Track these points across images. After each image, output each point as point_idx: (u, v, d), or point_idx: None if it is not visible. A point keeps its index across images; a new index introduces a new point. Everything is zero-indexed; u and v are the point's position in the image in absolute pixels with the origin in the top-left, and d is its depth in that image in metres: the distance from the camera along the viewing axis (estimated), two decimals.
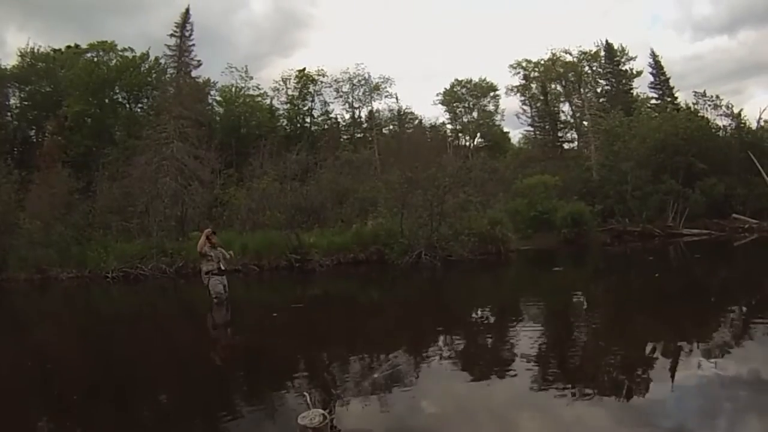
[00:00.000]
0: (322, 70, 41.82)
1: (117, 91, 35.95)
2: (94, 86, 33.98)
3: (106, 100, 35.26)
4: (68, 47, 38.05)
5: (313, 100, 42.17)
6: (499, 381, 6.23)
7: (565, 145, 46.50)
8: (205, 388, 6.59)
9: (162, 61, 33.98)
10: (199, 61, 32.25)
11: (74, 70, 35.21)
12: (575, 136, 45.48)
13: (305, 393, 4.89)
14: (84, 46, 37.82)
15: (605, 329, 8.90)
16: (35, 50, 37.69)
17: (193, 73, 32.87)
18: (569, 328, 9.31)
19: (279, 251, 19.85)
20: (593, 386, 5.73)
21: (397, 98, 44.02)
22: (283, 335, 9.68)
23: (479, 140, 48.19)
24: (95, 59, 36.50)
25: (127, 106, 36.42)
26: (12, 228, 20.61)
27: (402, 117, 45.58)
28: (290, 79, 41.92)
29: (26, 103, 36.77)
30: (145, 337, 10.35)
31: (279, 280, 18.74)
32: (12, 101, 37.05)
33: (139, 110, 36.21)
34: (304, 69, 41.99)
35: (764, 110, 33.91)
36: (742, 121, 33.04)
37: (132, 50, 36.88)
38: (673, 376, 5.85)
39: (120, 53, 37.03)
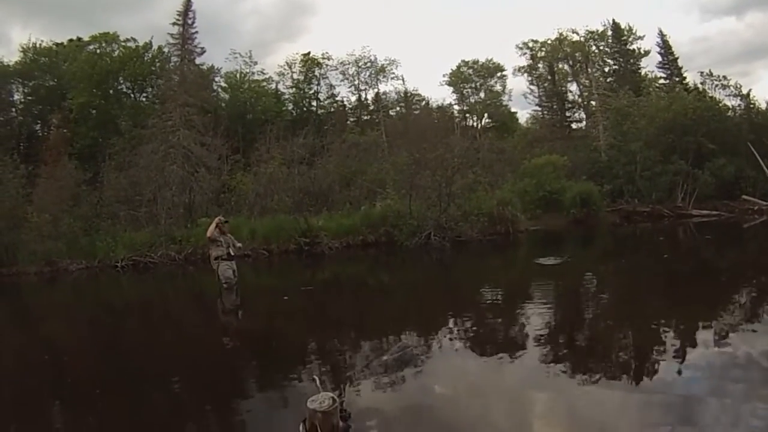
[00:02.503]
0: (327, 53, 41.76)
1: (121, 81, 35.94)
2: (97, 77, 33.93)
3: (111, 91, 35.26)
4: (70, 41, 37.92)
5: (318, 84, 42.09)
6: (509, 362, 6.17)
7: (573, 125, 45.98)
8: (216, 373, 6.60)
9: (165, 50, 33.69)
10: (202, 48, 31.97)
11: (77, 62, 35.18)
12: (583, 116, 44.79)
13: (315, 376, 4.86)
14: (86, 38, 37.62)
15: (615, 310, 8.80)
16: (37, 45, 37.78)
17: (197, 61, 32.63)
18: (579, 309, 9.25)
19: (287, 235, 19.91)
20: (603, 366, 5.73)
21: (403, 80, 43.66)
22: (293, 319, 9.69)
23: (486, 121, 47.56)
24: (98, 51, 36.36)
25: (132, 96, 36.38)
26: (21, 222, 20.63)
27: (409, 99, 45.16)
28: (295, 63, 41.90)
29: (30, 98, 36.82)
30: (156, 324, 10.44)
31: (288, 264, 18.79)
32: (16, 97, 37.14)
33: (144, 100, 36.21)
34: (309, 53, 41.94)
35: None
36: (752, 102, 32.50)
37: (135, 40, 36.78)
38: (682, 358, 5.79)
39: (123, 44, 36.86)
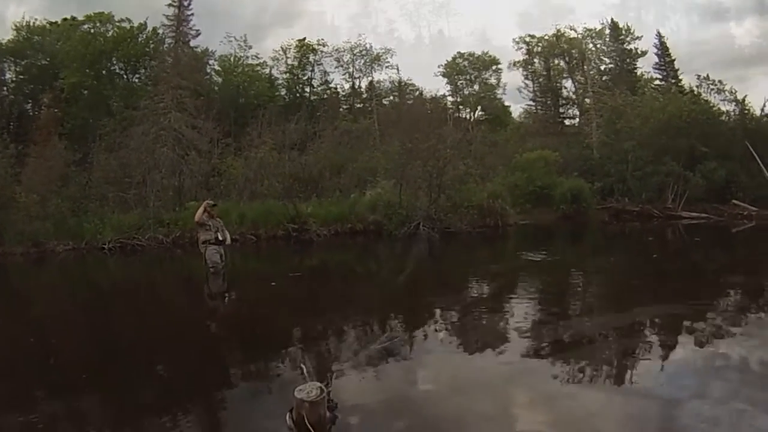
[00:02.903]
0: (323, 40, 41.81)
1: (114, 62, 35.71)
2: (90, 57, 33.65)
3: (103, 72, 34.94)
4: (64, 20, 37.37)
5: (312, 70, 42.11)
6: (494, 355, 6.21)
7: (566, 122, 46.69)
8: (202, 359, 6.58)
9: (160, 31, 33.54)
10: (197, 30, 31.66)
11: (70, 41, 34.88)
12: (576, 113, 45.32)
13: (302, 365, 4.90)
14: (81, 18, 37.14)
15: (601, 305, 8.94)
16: (30, 23, 37.38)
17: (192, 43, 32.37)
18: (565, 304, 9.31)
19: (276, 221, 19.88)
20: (587, 361, 5.76)
21: (398, 69, 43.67)
22: (280, 305, 9.70)
23: (480, 113, 47.78)
24: (92, 31, 35.98)
25: (125, 76, 36.15)
26: (9, 203, 20.37)
27: (402, 88, 45.19)
28: (290, 48, 41.90)
29: (22, 77, 36.47)
30: (142, 308, 10.29)
31: (276, 250, 18.79)
32: (7, 75, 36.77)
33: (136, 81, 35.94)
34: (305, 39, 41.98)
35: None
36: (746, 108, 32.49)
37: (129, 21, 36.46)
38: (666, 355, 5.89)
39: (117, 24, 36.55)
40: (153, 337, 7.75)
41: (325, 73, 42.13)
